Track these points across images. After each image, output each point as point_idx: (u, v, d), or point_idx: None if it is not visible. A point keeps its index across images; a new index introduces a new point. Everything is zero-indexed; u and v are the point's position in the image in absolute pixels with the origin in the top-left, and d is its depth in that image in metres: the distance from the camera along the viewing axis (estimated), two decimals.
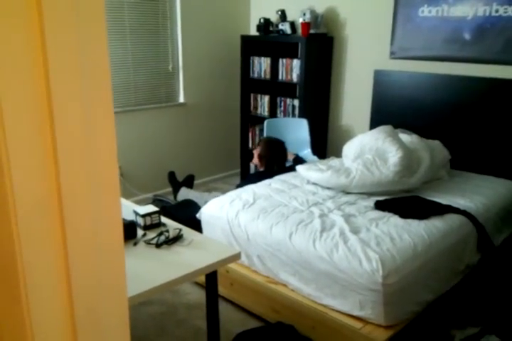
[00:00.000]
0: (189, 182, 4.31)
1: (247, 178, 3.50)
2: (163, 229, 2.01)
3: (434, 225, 2.47)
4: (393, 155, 2.93)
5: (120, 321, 0.73)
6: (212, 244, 1.92)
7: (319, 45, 4.18)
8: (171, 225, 2.08)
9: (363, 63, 4.12)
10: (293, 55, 4.27)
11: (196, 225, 2.89)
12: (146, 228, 2.02)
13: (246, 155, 4.72)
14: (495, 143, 3.40)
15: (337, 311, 2.21)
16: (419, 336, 2.33)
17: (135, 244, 1.89)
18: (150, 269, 1.69)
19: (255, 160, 3.55)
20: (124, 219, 1.95)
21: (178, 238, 1.92)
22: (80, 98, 0.59)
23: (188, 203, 3.71)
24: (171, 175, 4.29)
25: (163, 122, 4.37)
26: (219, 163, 4.98)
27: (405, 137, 3.25)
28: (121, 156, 4.11)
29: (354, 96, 4.25)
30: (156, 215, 2.04)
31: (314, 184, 3.10)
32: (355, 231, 2.38)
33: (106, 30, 0.60)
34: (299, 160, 3.78)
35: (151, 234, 1.96)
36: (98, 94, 0.62)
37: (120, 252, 0.71)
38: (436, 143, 3.37)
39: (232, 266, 2.65)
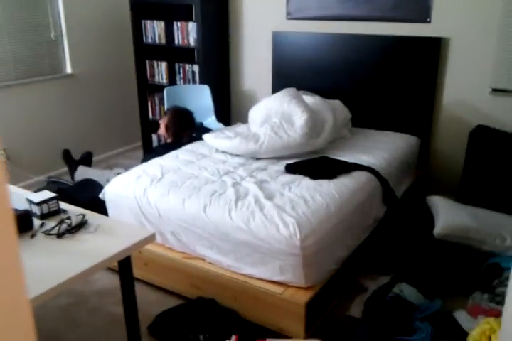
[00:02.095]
0: (87, 159, 4.01)
1: (153, 151, 3.32)
2: (63, 216, 1.82)
3: (344, 184, 2.52)
4: (299, 118, 2.92)
5: (22, 327, 0.60)
6: (121, 226, 1.78)
7: (214, 7, 3.99)
8: (73, 211, 1.89)
9: (260, 25, 4.02)
10: (188, 18, 4.04)
11: (100, 207, 2.69)
12: (44, 217, 1.81)
13: (147, 127, 4.48)
14: (391, 100, 3.55)
15: (258, 279, 2.20)
16: (336, 292, 2.41)
17: (32, 236, 1.68)
18: (53, 263, 1.51)
19: (162, 131, 3.36)
20: (15, 210, 1.73)
21: (82, 224, 1.74)
22: None
23: (87, 183, 3.45)
24: (66, 154, 3.95)
25: (49, 96, 3.97)
26: (118, 136, 4.69)
27: (308, 99, 3.26)
28: (4, 138, 3.69)
29: (254, 60, 4.17)
30: (54, 202, 1.83)
31: (223, 152, 3.02)
32: (270, 197, 2.35)
33: None
34: (204, 129, 3.65)
35: (51, 224, 1.76)
36: None
37: (13, 247, 0.57)
38: (337, 103, 3.42)
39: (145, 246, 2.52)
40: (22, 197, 1.96)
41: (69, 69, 4.08)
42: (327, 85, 3.76)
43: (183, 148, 3.12)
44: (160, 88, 4.20)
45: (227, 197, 2.37)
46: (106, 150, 4.58)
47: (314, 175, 2.59)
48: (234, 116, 4.41)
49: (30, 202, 1.81)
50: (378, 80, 3.55)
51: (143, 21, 4.20)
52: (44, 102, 3.93)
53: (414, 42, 3.36)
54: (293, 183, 2.53)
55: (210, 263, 2.34)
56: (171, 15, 4.07)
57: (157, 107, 4.43)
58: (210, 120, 4.04)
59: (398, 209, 2.90)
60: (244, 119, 4.13)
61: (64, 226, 1.71)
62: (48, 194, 1.84)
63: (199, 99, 4.03)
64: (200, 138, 3.30)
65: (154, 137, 4.49)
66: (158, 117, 4.42)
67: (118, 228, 1.75)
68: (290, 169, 2.70)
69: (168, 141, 3.35)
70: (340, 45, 3.64)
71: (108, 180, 3.62)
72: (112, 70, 4.45)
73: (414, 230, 2.80)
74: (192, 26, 3.97)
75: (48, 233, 1.69)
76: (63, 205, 1.92)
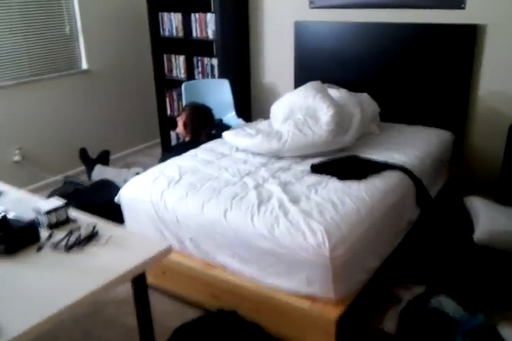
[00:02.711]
0: (104, 158, 3.90)
1: (172, 150, 3.18)
2: (73, 225, 1.69)
3: (374, 185, 2.33)
4: (324, 113, 2.73)
5: None
6: (134, 238, 1.63)
7: None
8: (83, 219, 1.75)
9: (282, 14, 3.82)
10: (206, 9, 3.87)
11: (116, 210, 2.57)
12: (52, 226, 1.68)
13: (165, 123, 4.35)
14: (422, 92, 3.32)
15: (282, 291, 2.04)
16: (368, 304, 2.23)
17: (39, 249, 1.55)
18: (59, 282, 1.37)
19: (180, 129, 3.21)
20: (19, 221, 1.60)
21: (92, 236, 1.61)
22: None
23: (104, 184, 3.34)
24: (83, 152, 3.85)
25: (65, 93, 3.86)
26: (136, 134, 4.57)
27: (334, 92, 3.06)
28: (19, 137, 3.60)
29: (275, 52, 3.97)
30: (63, 210, 1.69)
31: (244, 151, 2.86)
32: (295, 200, 2.18)
33: None
34: (223, 126, 3.49)
35: (59, 234, 1.63)
36: None
37: None
38: (364, 96, 3.21)
39: None
40: (29, 203, 1.84)
41: (85, 65, 3.97)
42: (353, 77, 3.54)
43: (202, 147, 2.96)
44: (178, 83, 4.05)
45: (249, 200, 2.21)
46: (124, 148, 4.47)
47: (342, 176, 2.40)
48: (254, 112, 4.23)
49: (38, 211, 1.67)
50: (408, 71, 3.32)
51: (160, 14, 4.04)
52: (60, 99, 3.82)
53: (447, 29, 3.12)
54: (319, 185, 2.35)
55: (232, 272, 2.19)
56: (189, 6, 3.90)
57: (175, 103, 4.29)
58: (229, 116, 3.88)
59: (433, 210, 2.69)
60: (265, 115, 3.95)
61: (73, 238, 1.57)
62: (56, 202, 1.71)
63: (218, 93, 3.87)
64: (219, 136, 3.14)
65: (173, 134, 4.35)
66: (176, 113, 4.28)
67: (131, 240, 1.60)
68: (316, 169, 2.52)
69: (187, 139, 3.19)
70: (366, 35, 3.42)
71: (125, 180, 3.49)
72: (129, 65, 4.32)
73: (451, 234, 2.59)
74: (210, 18, 3.80)
75: (55, 246, 1.56)
76: (74, 213, 1.78)
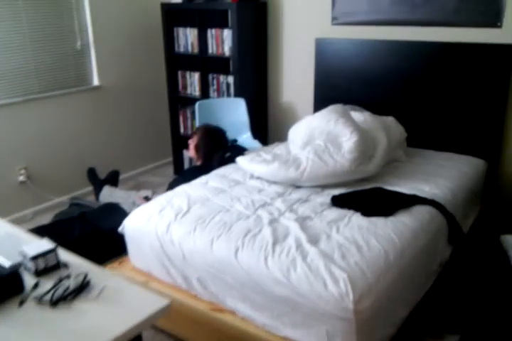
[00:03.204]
0: (113, 179, 3.74)
1: (182, 174, 2.98)
2: (63, 272, 1.48)
3: (403, 223, 2.10)
4: (347, 140, 2.51)
5: None
6: (130, 291, 1.42)
7: (252, 12, 3.63)
8: (76, 264, 1.55)
9: (302, 31, 3.63)
10: (223, 25, 3.71)
11: (122, 237, 2.38)
12: (40, 273, 1.48)
13: (178, 142, 4.17)
14: (452, 116, 3.08)
15: None
16: None
17: (21, 302, 1.35)
18: None
19: (191, 152, 3.01)
20: (1, 267, 1.41)
21: (83, 287, 1.40)
22: None
23: (111, 208, 3.16)
24: (91, 172, 3.69)
25: (75, 110, 3.71)
26: (147, 152, 4.40)
27: (357, 115, 2.84)
28: (25, 155, 3.45)
29: (295, 70, 3.78)
30: (53, 254, 1.50)
31: (259, 178, 2.65)
32: (314, 240, 1.95)
33: None
34: (238, 148, 3.29)
35: (47, 283, 1.43)
36: None
37: None
38: (390, 120, 2.99)
39: (167, 289, 2.18)
40: (19, 241, 1.65)
41: (96, 81, 3.82)
42: (377, 99, 3.33)
43: (214, 173, 2.76)
44: (192, 101, 3.88)
45: (263, 238, 1.99)
46: (134, 167, 4.30)
47: (367, 211, 2.17)
48: (271, 133, 4.03)
49: (24, 255, 1.48)
50: (437, 93, 3.09)
51: (175, 29, 3.90)
52: (69, 117, 3.67)
53: (482, 49, 2.89)
54: (341, 221, 2.12)
55: (242, 318, 1.96)
56: (205, 22, 3.74)
57: (189, 121, 4.12)
58: (245, 137, 3.68)
59: (466, 249, 2.44)
60: (282, 136, 3.75)
61: (60, 290, 1.37)
62: (45, 245, 1.51)
63: (233, 113, 3.68)
64: (233, 159, 2.94)
65: (185, 153, 4.17)
66: (190, 131, 4.11)
67: (126, 293, 1.40)
68: (337, 202, 2.29)
69: (198, 163, 2.99)
70: (392, 54, 3.21)
71: (134, 203, 3.33)
72: (142, 82, 4.17)
73: (487, 276, 2.33)
74: (227, 34, 3.63)
75: (40, 299, 1.35)
76: (65, 255, 1.59)
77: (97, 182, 3.63)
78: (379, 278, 1.77)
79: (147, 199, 3.04)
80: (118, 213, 3.14)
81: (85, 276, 1.42)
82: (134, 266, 2.37)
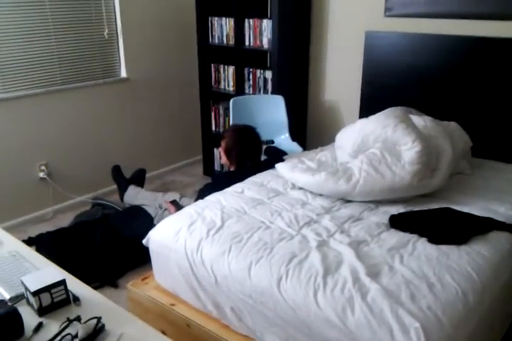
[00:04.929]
0: (139, 178, 3.47)
1: (214, 181, 2.67)
2: (73, 310, 1.20)
3: (481, 254, 1.74)
4: (408, 149, 2.16)
5: None
6: (154, 339, 1.12)
7: (294, 1, 3.29)
8: (89, 299, 1.26)
9: (350, 23, 3.28)
10: (262, 15, 3.38)
11: (144, 246, 2.09)
12: (44, 311, 1.19)
13: (209, 139, 3.88)
14: None
15: None
16: None
17: None
18: None
19: (223, 159, 2.69)
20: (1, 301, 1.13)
21: (96, 334, 1.11)
22: None
23: (135, 212, 2.90)
24: (116, 171, 3.42)
25: (100, 104, 3.44)
26: (175, 150, 4.12)
27: (416, 120, 2.48)
28: (46, 151, 3.21)
29: (340, 66, 3.42)
30: (61, 288, 1.21)
31: (301, 188, 2.32)
32: (374, 272, 1.62)
33: None
34: (275, 150, 2.97)
35: (52, 325, 1.15)
36: None
37: None
38: (453, 126, 2.61)
39: (195, 316, 1.89)
40: (25, 265, 1.37)
41: (124, 73, 3.55)
42: (435, 101, 2.95)
43: (250, 180, 2.45)
44: (225, 96, 3.58)
45: (311, 266, 1.67)
46: (161, 165, 4.02)
47: (434, 237, 1.83)
48: (310, 134, 3.69)
49: (26, 287, 1.20)
50: (507, 96, 2.70)
51: (210, 18, 3.58)
52: (93, 110, 3.41)
53: None
54: (404, 248, 1.78)
55: None
56: (243, 11, 3.41)
57: (221, 118, 3.81)
58: (282, 138, 3.36)
59: None
60: (322, 139, 3.42)
61: (69, 337, 1.08)
62: (53, 275, 1.22)
63: (271, 111, 3.36)
64: (270, 163, 2.63)
65: (216, 152, 3.88)
66: (221, 129, 3.81)
67: None
68: (397, 223, 1.95)
69: (231, 169, 2.68)
70: (454, 50, 2.83)
71: (160, 206, 3.06)
72: (173, 74, 3.88)
73: None
74: (266, 24, 3.30)
75: None
76: (76, 286, 1.30)
77: (122, 182, 3.37)
78: (458, 327, 1.43)
79: (175, 203, 2.76)
80: (142, 218, 2.88)
81: (99, 320, 1.13)
82: (158, 285, 2.08)
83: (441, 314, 1.44)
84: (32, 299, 1.18)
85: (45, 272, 1.24)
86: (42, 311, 1.19)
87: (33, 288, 1.17)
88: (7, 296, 1.22)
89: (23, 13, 2.88)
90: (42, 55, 3.04)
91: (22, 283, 1.20)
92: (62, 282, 1.21)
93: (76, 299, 1.25)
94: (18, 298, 1.20)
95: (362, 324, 1.44)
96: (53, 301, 1.20)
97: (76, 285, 1.29)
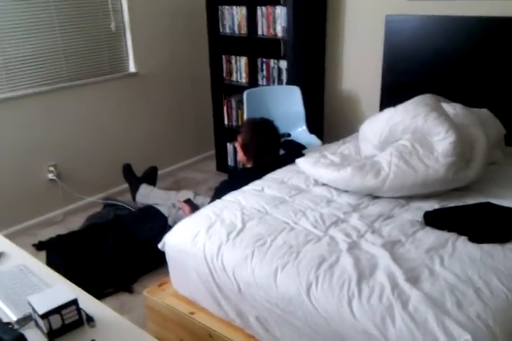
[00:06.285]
0: (151, 176, 3.35)
1: (231, 178, 2.53)
2: (88, 333, 1.07)
3: None
4: (441, 140, 2.00)
5: None
6: None
7: None
8: (103, 317, 1.13)
9: (369, 7, 3.10)
10: (275, 2, 3.21)
11: (160, 250, 1.97)
12: (54, 335, 1.07)
13: (222, 134, 3.74)
14: None
15: None
16: None
17: None
18: None
19: (240, 155, 2.54)
20: (2, 327, 1.00)
21: None
22: None
23: (148, 213, 2.77)
24: (127, 169, 3.30)
25: (109, 100, 3.31)
26: (187, 146, 3.98)
27: (447, 108, 2.31)
28: (54, 151, 3.09)
29: (359, 53, 3.25)
30: (73, 308, 1.08)
31: (325, 184, 2.18)
32: (414, 277, 1.48)
33: None
34: (293, 144, 2.82)
35: None
36: None
37: None
38: (484, 114, 2.44)
39: (217, 325, 1.76)
40: (31, 280, 1.25)
41: (132, 67, 3.41)
42: (463, 87, 2.78)
43: (270, 177, 2.30)
44: (238, 88, 3.43)
45: (343, 271, 1.53)
46: (173, 161, 3.90)
47: (476, 235, 1.67)
48: (327, 126, 3.53)
49: (33, 309, 1.07)
50: None
51: (220, 7, 3.43)
52: (102, 107, 3.28)
53: None
54: (443, 249, 1.63)
55: None
56: None
57: (234, 111, 3.67)
58: (299, 130, 3.20)
59: None
60: (341, 131, 3.26)
61: None
62: (63, 293, 1.10)
63: (287, 103, 3.20)
64: (288, 157, 2.48)
65: (230, 147, 3.74)
66: (234, 123, 3.66)
67: None
68: (433, 220, 1.80)
69: (249, 166, 2.53)
70: (483, 33, 2.64)
71: (174, 205, 2.93)
72: (183, 67, 3.73)
73: None
74: (280, 12, 3.13)
75: None
76: (89, 304, 1.17)
77: (134, 180, 3.25)
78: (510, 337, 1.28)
79: (189, 202, 2.62)
80: (156, 219, 2.76)
81: None
82: (176, 291, 1.96)
83: (493, 323, 1.29)
84: (41, 322, 1.06)
85: (55, 290, 1.12)
86: (52, 335, 1.07)
87: (41, 311, 1.04)
88: (13, 318, 1.10)
89: (26, 7, 2.75)
90: (47, 50, 2.91)
91: (29, 304, 1.08)
92: (74, 301, 1.09)
93: (90, 319, 1.13)
94: (25, 321, 1.08)
95: (404, 336, 1.30)
96: (64, 323, 1.08)
97: (90, 304, 1.17)
